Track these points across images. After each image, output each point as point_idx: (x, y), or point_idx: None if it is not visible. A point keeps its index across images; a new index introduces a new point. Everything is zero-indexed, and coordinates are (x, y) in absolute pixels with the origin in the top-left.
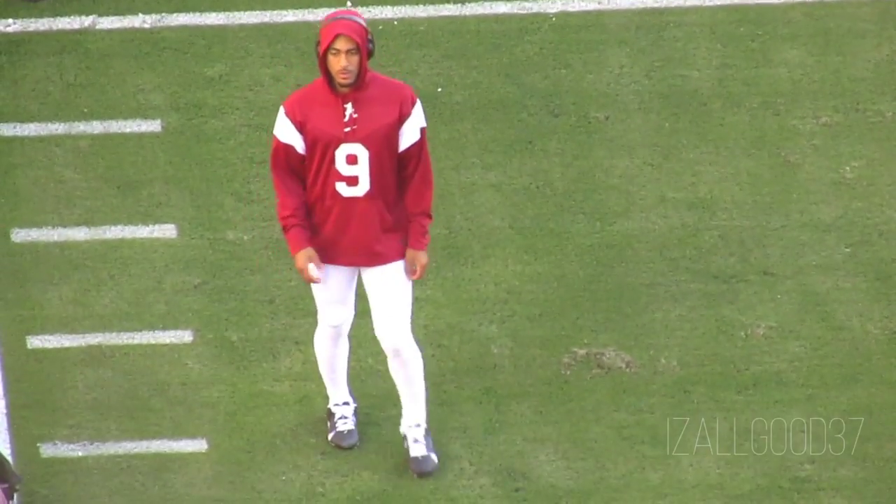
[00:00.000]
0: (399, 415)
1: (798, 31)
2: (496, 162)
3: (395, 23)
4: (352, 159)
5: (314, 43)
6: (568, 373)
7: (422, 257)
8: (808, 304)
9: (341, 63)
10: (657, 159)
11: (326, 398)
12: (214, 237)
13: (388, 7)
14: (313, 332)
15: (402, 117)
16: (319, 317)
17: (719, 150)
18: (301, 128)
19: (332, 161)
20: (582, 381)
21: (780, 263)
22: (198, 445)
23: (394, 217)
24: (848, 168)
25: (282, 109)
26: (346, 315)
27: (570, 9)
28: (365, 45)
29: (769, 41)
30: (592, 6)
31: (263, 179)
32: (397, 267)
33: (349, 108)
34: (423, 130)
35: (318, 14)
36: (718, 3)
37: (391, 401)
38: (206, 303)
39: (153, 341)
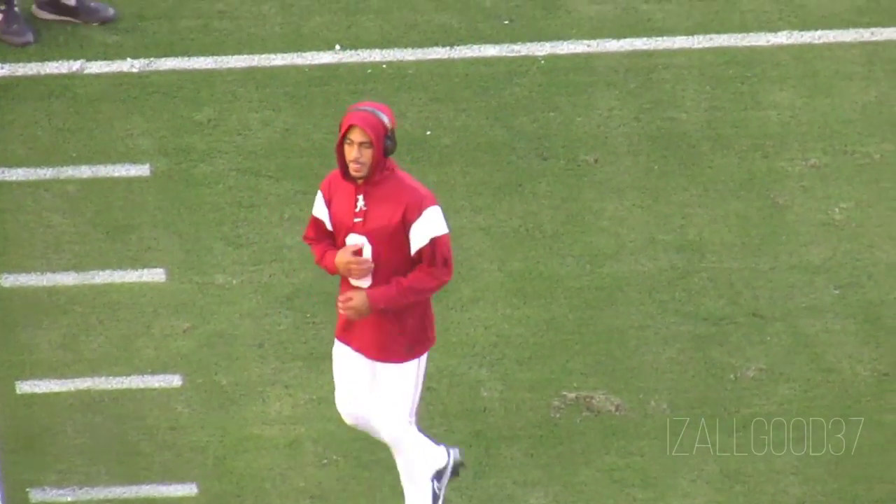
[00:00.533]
0: (389, 457)
1: (786, 74)
2: (485, 205)
3: (384, 66)
4: (358, 250)
5: (307, 90)
6: (558, 416)
7: (361, 299)
8: (798, 347)
9: (353, 154)
10: (646, 202)
11: (316, 441)
12: (203, 281)
13: (377, 50)
14: (302, 375)
15: (406, 223)
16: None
17: (708, 192)
18: (328, 204)
19: (344, 247)
20: (572, 424)
21: (770, 305)
22: (187, 490)
23: (401, 320)
24: (837, 210)
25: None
26: (358, 412)
27: (558, 51)
28: (380, 140)
29: (758, 83)
30: (581, 49)
31: (252, 224)
32: (401, 367)
33: (361, 199)
34: (434, 240)
35: (307, 58)
36: (707, 45)
37: (381, 444)
38: (195, 347)
39: (142, 385)
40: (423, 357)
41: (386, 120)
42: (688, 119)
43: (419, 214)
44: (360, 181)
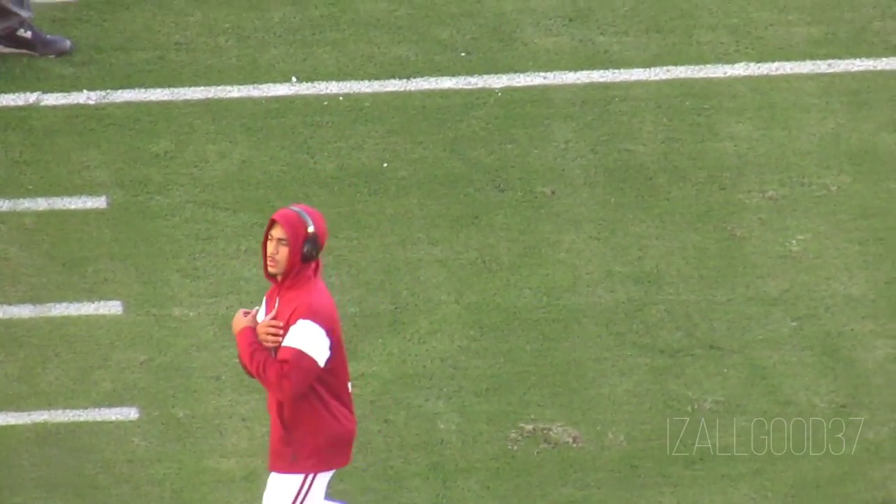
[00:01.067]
0: (345, 491)
1: (743, 105)
2: (442, 237)
3: (341, 98)
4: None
5: (263, 121)
6: (515, 448)
7: (240, 321)
8: (755, 379)
9: (270, 250)
10: (603, 233)
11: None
12: (160, 314)
13: (334, 83)
14: (260, 408)
15: (287, 326)
16: None
17: (665, 224)
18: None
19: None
20: (529, 456)
21: (727, 337)
22: None
23: (289, 429)
24: (794, 242)
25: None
26: None
27: (515, 83)
28: (297, 241)
29: (715, 115)
30: (538, 81)
31: (209, 256)
32: (282, 479)
33: (277, 301)
34: (287, 348)
35: (263, 89)
36: (664, 77)
37: (336, 478)
38: (151, 380)
39: (99, 418)
40: (314, 478)
41: (311, 226)
42: (645, 151)
43: (295, 321)
44: (278, 279)
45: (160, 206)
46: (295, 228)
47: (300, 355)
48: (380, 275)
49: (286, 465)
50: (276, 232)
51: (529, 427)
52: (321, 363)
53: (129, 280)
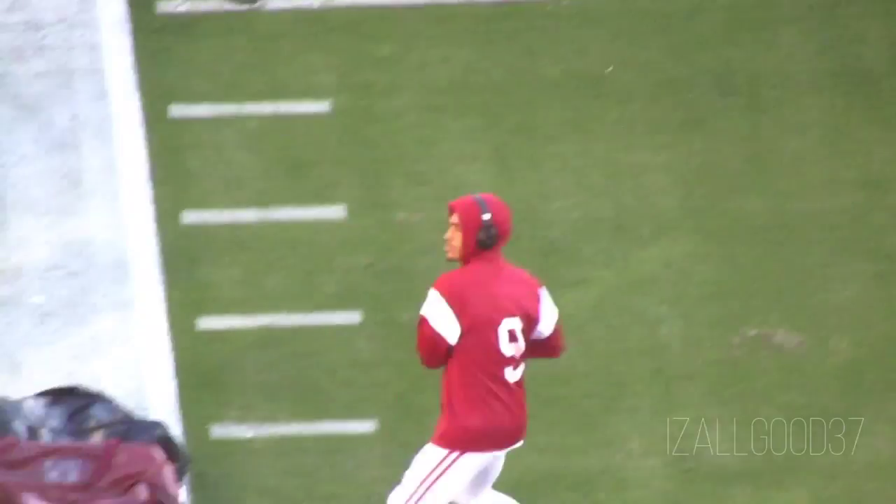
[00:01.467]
0: (574, 399)
1: None
2: (665, 142)
3: (565, 2)
4: None
5: (487, 26)
6: (738, 353)
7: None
8: None
9: (448, 234)
10: (829, 138)
11: None
12: (384, 218)
13: None
14: None
15: None
16: None
17: (892, 128)
18: None
19: None
20: (752, 361)
21: None
22: (367, 427)
23: (442, 407)
24: None
25: None
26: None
27: None
28: (469, 226)
29: None
30: None
31: (432, 160)
32: (428, 447)
33: None
34: (420, 315)
35: None
36: None
37: (559, 381)
38: (375, 283)
39: (322, 322)
40: (458, 457)
41: (487, 213)
42: (872, 55)
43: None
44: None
45: (384, 111)
46: (469, 214)
47: (422, 321)
48: (603, 179)
49: (435, 436)
50: (453, 218)
51: (753, 332)
52: (444, 333)
53: (353, 184)
